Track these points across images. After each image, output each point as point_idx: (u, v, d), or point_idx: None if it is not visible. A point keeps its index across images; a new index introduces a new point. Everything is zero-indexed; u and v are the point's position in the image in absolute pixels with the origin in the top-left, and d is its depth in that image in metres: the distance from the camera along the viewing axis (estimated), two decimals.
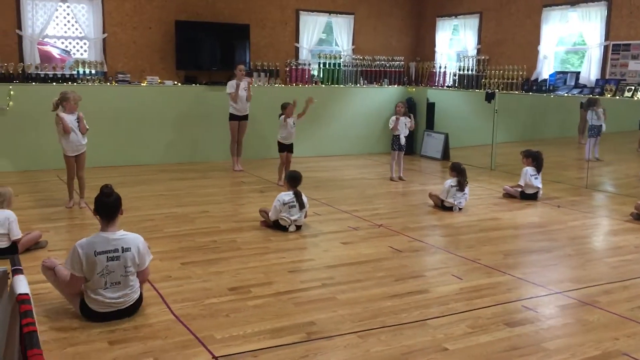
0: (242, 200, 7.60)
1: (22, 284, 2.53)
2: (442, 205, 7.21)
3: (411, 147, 11.58)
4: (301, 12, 11.18)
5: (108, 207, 3.88)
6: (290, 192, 6.11)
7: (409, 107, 11.63)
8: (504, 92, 10.15)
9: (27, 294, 2.42)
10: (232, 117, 9.28)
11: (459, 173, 7.24)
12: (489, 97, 10.26)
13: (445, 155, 11.34)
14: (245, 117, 9.39)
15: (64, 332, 3.70)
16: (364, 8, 11.78)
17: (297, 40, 11.24)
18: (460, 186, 7.17)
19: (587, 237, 6.22)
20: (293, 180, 6.26)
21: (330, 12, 11.44)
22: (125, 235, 3.91)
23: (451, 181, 7.21)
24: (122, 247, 3.85)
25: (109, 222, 3.88)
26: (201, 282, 4.60)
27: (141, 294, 4.05)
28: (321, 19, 11.39)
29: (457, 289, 4.59)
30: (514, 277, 4.88)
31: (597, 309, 4.26)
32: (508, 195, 7.98)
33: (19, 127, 8.87)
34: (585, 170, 9.05)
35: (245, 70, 9.39)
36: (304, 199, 6.14)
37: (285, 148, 8.46)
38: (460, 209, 7.16)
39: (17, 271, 2.70)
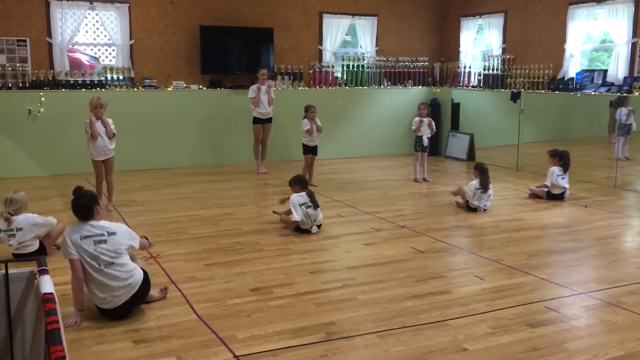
0: (266, 202, 7.66)
1: (47, 284, 2.62)
2: (467, 206, 7.18)
3: (436, 148, 11.54)
4: (324, 14, 11.23)
5: (81, 208, 4.05)
6: (303, 194, 6.15)
7: (434, 108, 11.61)
8: (530, 91, 10.05)
9: (51, 294, 2.51)
10: (256, 120, 9.37)
11: (481, 173, 7.20)
12: (515, 97, 10.17)
13: (471, 156, 11.26)
14: (269, 120, 9.47)
15: (90, 332, 3.80)
16: (387, 10, 11.78)
17: (321, 43, 11.29)
18: (484, 187, 7.13)
19: (613, 238, 6.12)
20: (302, 182, 6.33)
21: (353, 15, 11.47)
22: (109, 224, 4.10)
23: (475, 183, 7.17)
24: (107, 232, 4.01)
25: (88, 220, 4.03)
26: (224, 283, 4.67)
27: (146, 273, 4.16)
28: (344, 21, 11.43)
29: (478, 290, 4.58)
30: (537, 278, 4.84)
31: (622, 309, 4.21)
32: (534, 196, 7.90)
33: (50, 132, 9.10)
34: (615, 170, 8.90)
35: (267, 74, 9.46)
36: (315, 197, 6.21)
37: (310, 150, 8.50)
38: (485, 209, 7.12)
39: (43, 272, 2.79)
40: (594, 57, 10.38)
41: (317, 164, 8.82)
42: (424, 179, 9.03)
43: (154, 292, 4.29)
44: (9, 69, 9.14)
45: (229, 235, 6.00)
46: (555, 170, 7.78)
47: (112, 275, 3.93)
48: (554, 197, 7.75)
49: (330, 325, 3.91)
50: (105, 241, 3.97)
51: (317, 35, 11.26)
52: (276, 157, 10.13)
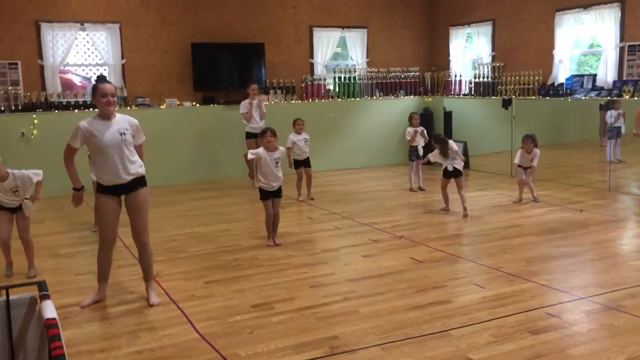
0: (262, 216, 7.61)
1: (49, 309, 2.61)
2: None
3: None
4: (315, 28, 11.31)
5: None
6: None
7: (426, 117, 11.69)
8: (521, 97, 10.12)
9: (54, 319, 2.50)
10: (249, 135, 9.38)
11: (438, 142, 7.56)
12: (506, 104, 10.24)
13: (465, 163, 11.25)
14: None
15: (92, 355, 3.78)
16: (376, 21, 11.87)
17: (312, 56, 11.36)
18: (444, 155, 7.48)
19: (610, 241, 6.15)
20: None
21: (343, 27, 11.55)
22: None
23: (436, 152, 7.59)
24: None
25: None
26: (225, 300, 4.66)
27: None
28: (335, 34, 11.51)
29: (479, 298, 4.58)
30: (537, 284, 4.85)
31: (623, 313, 4.22)
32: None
33: (43, 154, 9.02)
34: (608, 173, 8.96)
35: (258, 89, 9.48)
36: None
37: (300, 164, 8.51)
38: (455, 167, 7.43)
39: (44, 297, 2.78)
40: (582, 62, 10.49)
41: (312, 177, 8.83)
42: (420, 188, 9.06)
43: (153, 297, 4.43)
44: (1, 92, 9.14)
45: (228, 252, 6.00)
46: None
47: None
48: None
49: (333, 339, 3.91)
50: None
51: (308, 49, 11.33)
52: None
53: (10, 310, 2.95)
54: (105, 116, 4.47)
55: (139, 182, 4.55)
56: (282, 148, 6.33)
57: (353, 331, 4.02)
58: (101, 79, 4.57)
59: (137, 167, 4.52)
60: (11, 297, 2.96)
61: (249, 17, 10.71)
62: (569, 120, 10.04)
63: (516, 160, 8.12)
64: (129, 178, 4.46)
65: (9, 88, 9.22)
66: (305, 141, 8.47)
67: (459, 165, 7.49)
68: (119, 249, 6.25)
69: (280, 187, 6.26)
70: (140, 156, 4.63)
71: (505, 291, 4.73)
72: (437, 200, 8.31)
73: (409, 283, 4.97)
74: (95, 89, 4.46)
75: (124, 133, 4.45)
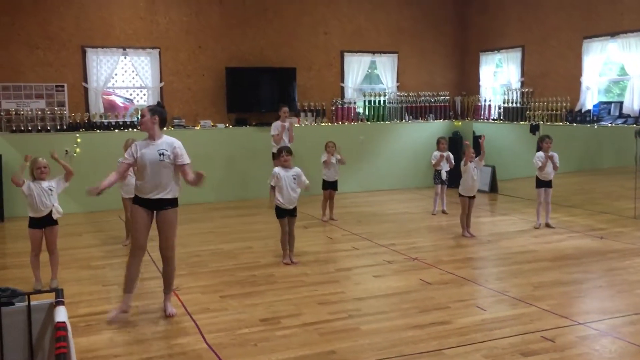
0: None
1: (61, 314, 2.94)
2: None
3: (458, 180, 11.66)
4: (346, 53, 11.64)
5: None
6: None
7: (455, 141, 11.83)
8: (548, 123, 10.18)
9: (63, 322, 2.82)
10: (275, 155, 9.69)
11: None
12: (534, 129, 10.32)
13: (493, 188, 11.37)
14: None
15: (107, 359, 4.11)
16: (407, 47, 12.12)
17: (342, 80, 11.68)
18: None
19: (623, 269, 6.18)
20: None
21: (374, 52, 11.85)
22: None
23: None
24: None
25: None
26: (236, 314, 4.95)
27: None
28: (365, 59, 11.82)
29: (479, 320, 4.73)
30: (539, 309, 4.97)
31: (619, 340, 4.31)
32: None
33: (85, 171, 9.58)
34: (634, 200, 8.90)
35: (288, 112, 9.82)
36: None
37: (329, 185, 8.78)
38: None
39: (58, 303, 3.11)
40: (609, 89, 10.47)
41: (338, 198, 9.10)
42: (443, 212, 9.20)
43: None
44: (48, 112, 9.77)
45: (246, 268, 6.30)
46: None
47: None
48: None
49: (331, 354, 4.14)
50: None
51: (339, 73, 11.66)
52: None
53: (31, 314, 3.30)
54: (150, 137, 4.91)
55: (169, 202, 4.89)
56: (297, 168, 6.56)
57: (351, 347, 4.25)
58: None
59: (167, 191, 4.85)
60: (32, 302, 3.31)
61: (281, 43, 11.13)
62: (596, 147, 10.01)
63: (539, 163, 8.12)
64: (157, 197, 4.82)
65: (56, 109, 9.84)
66: (337, 162, 8.69)
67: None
68: (146, 262, 6.64)
69: (295, 207, 6.51)
70: (185, 176, 4.93)
71: (506, 314, 4.87)
72: (458, 224, 8.42)
73: (413, 303, 5.15)
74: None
75: (162, 154, 4.81)
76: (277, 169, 6.45)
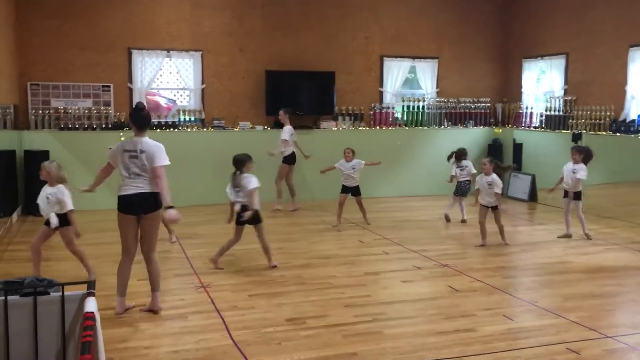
0: (317, 237, 8.03)
1: (90, 304, 3.09)
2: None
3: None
4: (385, 58, 11.66)
5: (140, 119, 5.02)
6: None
7: (495, 148, 11.73)
8: (591, 132, 9.97)
9: (92, 312, 2.97)
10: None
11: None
12: (576, 138, 10.12)
13: (533, 196, 11.19)
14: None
15: (137, 350, 4.27)
16: (448, 52, 12.06)
17: (381, 85, 11.70)
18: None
19: None
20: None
21: (414, 58, 11.83)
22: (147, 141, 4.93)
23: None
24: (139, 150, 4.88)
25: (140, 131, 4.98)
26: (263, 313, 5.05)
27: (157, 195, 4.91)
28: (405, 64, 11.81)
29: (504, 329, 4.71)
30: (567, 320, 4.90)
31: None
32: None
33: None
34: None
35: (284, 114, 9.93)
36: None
37: (347, 190, 8.70)
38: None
39: (89, 294, 3.27)
40: None
41: (374, 202, 9.17)
42: (463, 221, 9.02)
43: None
44: (94, 111, 10.13)
45: (277, 269, 6.40)
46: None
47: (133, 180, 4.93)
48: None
49: (352, 355, 4.19)
50: (136, 157, 4.89)
51: (378, 78, 11.69)
52: (335, 196, 10.48)
53: (65, 304, 3.47)
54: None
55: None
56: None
57: (372, 350, 4.29)
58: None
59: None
60: (66, 293, 3.48)
61: (321, 47, 11.23)
62: None
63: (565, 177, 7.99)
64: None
65: (102, 108, 10.19)
66: (353, 168, 8.65)
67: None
68: (181, 260, 6.84)
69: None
70: (156, 178, 4.91)
71: (533, 324, 4.83)
72: (492, 232, 8.35)
73: (439, 310, 5.16)
74: None
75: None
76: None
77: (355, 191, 8.75)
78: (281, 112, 10.00)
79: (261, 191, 6.73)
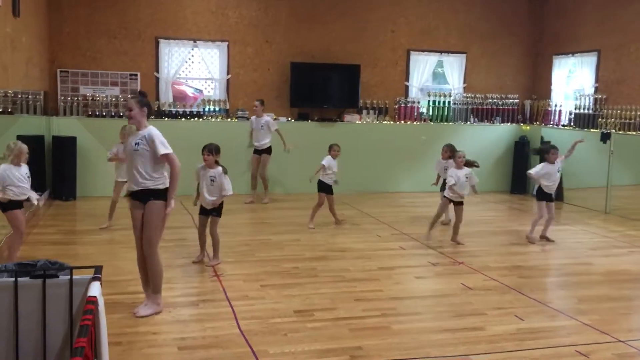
0: (334, 231, 8.03)
1: (94, 289, 3.16)
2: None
3: (524, 187, 11.41)
4: (412, 52, 11.56)
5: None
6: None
7: (522, 145, 11.55)
8: (621, 132, 9.74)
9: (94, 297, 3.03)
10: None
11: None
12: (605, 138, 9.90)
13: (558, 195, 10.97)
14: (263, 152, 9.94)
15: (145, 336, 4.35)
16: (477, 47, 11.90)
17: (407, 79, 11.61)
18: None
19: None
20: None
21: (441, 52, 11.70)
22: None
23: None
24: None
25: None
26: (272, 303, 5.09)
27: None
28: (432, 58, 11.70)
29: (513, 329, 4.65)
30: (579, 323, 4.82)
31: None
32: None
33: None
34: None
35: (260, 105, 9.83)
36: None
37: (323, 188, 8.22)
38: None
39: (95, 279, 3.34)
40: None
41: (396, 197, 9.08)
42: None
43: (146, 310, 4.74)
44: (122, 99, 10.29)
45: (290, 260, 6.43)
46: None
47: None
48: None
49: (357, 349, 4.20)
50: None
51: (404, 72, 11.60)
52: (356, 189, 10.49)
53: (73, 288, 3.56)
54: (137, 128, 4.93)
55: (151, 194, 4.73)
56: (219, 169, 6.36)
57: (377, 344, 4.29)
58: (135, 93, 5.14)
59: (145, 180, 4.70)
60: (74, 277, 3.56)
61: (348, 39, 11.19)
62: None
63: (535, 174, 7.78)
64: (137, 188, 4.77)
65: (129, 96, 10.34)
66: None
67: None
68: (197, 247, 6.91)
69: (215, 208, 6.29)
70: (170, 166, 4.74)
71: (544, 325, 4.76)
72: (512, 231, 8.26)
73: (449, 307, 5.12)
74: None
75: (137, 143, 4.76)
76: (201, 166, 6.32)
77: (331, 190, 8.31)
78: (257, 104, 9.82)
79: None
